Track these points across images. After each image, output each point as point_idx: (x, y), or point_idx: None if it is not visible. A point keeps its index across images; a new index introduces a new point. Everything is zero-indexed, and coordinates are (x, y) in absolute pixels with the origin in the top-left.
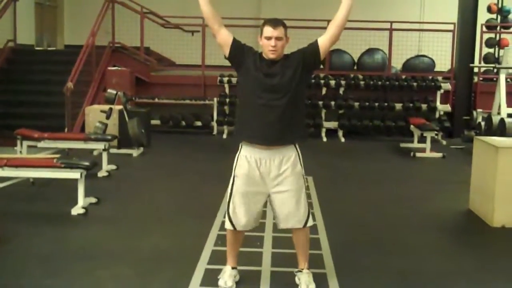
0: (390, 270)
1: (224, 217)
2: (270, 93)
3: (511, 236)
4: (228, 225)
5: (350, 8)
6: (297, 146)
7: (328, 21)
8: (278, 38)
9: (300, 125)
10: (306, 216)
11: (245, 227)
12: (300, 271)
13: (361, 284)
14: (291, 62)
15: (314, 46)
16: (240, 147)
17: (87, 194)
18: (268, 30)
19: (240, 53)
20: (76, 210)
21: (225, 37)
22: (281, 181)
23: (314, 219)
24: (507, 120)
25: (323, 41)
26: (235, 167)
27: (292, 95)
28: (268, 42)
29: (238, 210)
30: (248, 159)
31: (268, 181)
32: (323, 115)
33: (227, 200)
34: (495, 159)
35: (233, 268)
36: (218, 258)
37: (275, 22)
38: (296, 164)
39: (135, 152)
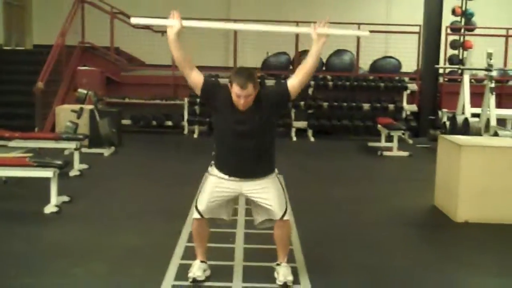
0: (358, 264)
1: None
2: (241, 138)
3: (474, 231)
4: (195, 214)
5: (319, 55)
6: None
7: (297, 22)
8: (247, 96)
9: (270, 161)
10: (284, 210)
11: (211, 213)
12: (279, 265)
13: (330, 278)
14: (262, 106)
15: (284, 91)
16: (212, 166)
17: (59, 193)
18: (236, 89)
19: (211, 95)
20: (49, 209)
21: (196, 80)
22: (256, 188)
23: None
24: (471, 119)
25: (293, 85)
26: (208, 176)
27: (262, 138)
28: (237, 99)
29: (205, 197)
30: (218, 176)
31: (241, 186)
32: (292, 115)
33: (198, 193)
34: (459, 157)
35: (202, 261)
36: (192, 254)
37: (244, 81)
38: (270, 174)
39: (106, 152)
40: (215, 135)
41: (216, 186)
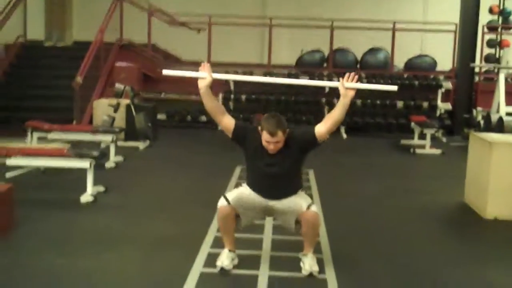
0: (384, 258)
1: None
2: (271, 178)
3: (503, 228)
4: (221, 201)
5: (346, 108)
6: None
7: (332, 21)
8: (276, 142)
9: (296, 186)
10: (308, 202)
11: (238, 204)
12: (305, 255)
13: (356, 270)
14: (291, 150)
15: (312, 137)
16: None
17: (95, 183)
18: (266, 136)
19: (242, 139)
20: (85, 198)
21: (227, 125)
22: (281, 204)
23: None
24: (505, 118)
25: (320, 132)
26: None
27: (291, 176)
28: (267, 144)
29: (232, 192)
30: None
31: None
32: (325, 111)
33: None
34: (489, 154)
35: (230, 250)
36: (221, 243)
37: (274, 128)
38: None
39: (141, 145)
40: (247, 170)
41: (245, 192)
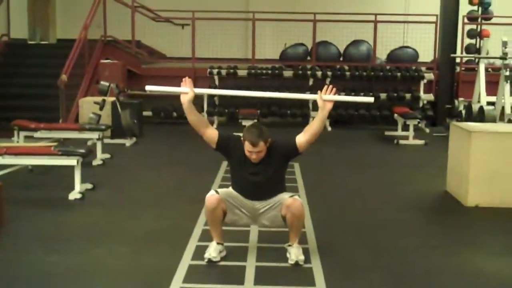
0: (369, 246)
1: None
2: (253, 187)
3: (484, 215)
4: (210, 192)
5: (324, 121)
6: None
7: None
8: (258, 152)
9: (280, 189)
10: (291, 194)
11: (224, 195)
12: (290, 245)
13: (340, 258)
14: (273, 160)
15: (293, 146)
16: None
17: (83, 180)
18: (248, 146)
19: (225, 149)
20: (73, 195)
21: (210, 136)
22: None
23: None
24: (486, 108)
25: (301, 142)
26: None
27: (274, 184)
28: (250, 154)
29: (222, 188)
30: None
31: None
32: (310, 105)
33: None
34: (469, 142)
35: (218, 243)
36: (208, 236)
37: (255, 138)
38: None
39: (128, 142)
40: (232, 178)
41: (233, 191)
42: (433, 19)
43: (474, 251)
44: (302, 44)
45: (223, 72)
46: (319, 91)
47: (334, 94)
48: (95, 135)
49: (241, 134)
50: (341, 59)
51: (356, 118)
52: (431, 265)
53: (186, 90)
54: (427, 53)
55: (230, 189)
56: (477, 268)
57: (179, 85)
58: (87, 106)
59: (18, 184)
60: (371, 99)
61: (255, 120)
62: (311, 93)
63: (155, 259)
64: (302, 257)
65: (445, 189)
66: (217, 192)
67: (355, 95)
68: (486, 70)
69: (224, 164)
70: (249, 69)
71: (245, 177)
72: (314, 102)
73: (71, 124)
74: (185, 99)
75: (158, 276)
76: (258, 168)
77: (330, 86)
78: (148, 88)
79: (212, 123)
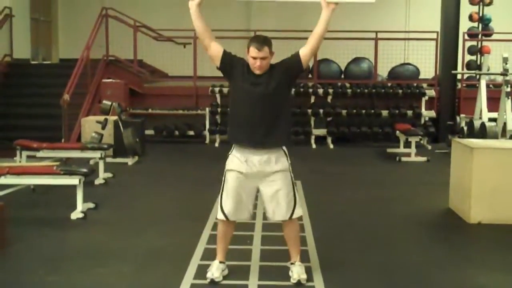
0: (371, 263)
1: (216, 218)
2: (256, 100)
3: (486, 231)
4: (220, 215)
5: (328, 22)
6: (284, 148)
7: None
8: (263, 58)
9: (283, 131)
10: (291, 210)
11: (235, 215)
12: (293, 264)
13: (343, 277)
14: (276, 73)
15: (296, 57)
16: (232, 147)
17: (85, 199)
18: (253, 51)
19: (229, 64)
20: (76, 215)
21: (215, 50)
22: (269, 177)
23: (301, 218)
24: (488, 124)
25: (304, 52)
26: (227, 163)
27: (276, 103)
28: (253, 61)
29: (229, 200)
30: (238, 158)
31: (257, 177)
32: (312, 122)
33: (220, 193)
34: (471, 159)
35: (221, 262)
36: (210, 255)
37: (260, 43)
38: (283, 163)
39: (130, 161)
40: (232, 105)
41: (235, 182)
42: (434, 35)
43: (477, 268)
44: None
45: (225, 90)
46: None
47: None
48: (97, 154)
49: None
50: (342, 76)
51: (358, 135)
52: (434, 282)
53: None
54: (428, 69)
55: (231, 185)
56: (480, 285)
57: (180, 103)
58: (89, 125)
59: (21, 203)
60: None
61: None
62: (312, 110)
63: (157, 279)
64: (304, 276)
65: (447, 206)
66: (225, 216)
67: (356, 112)
68: (487, 86)
69: None
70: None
71: (246, 90)
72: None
73: (73, 144)
74: (193, 3)
75: None
76: (261, 79)
77: None
78: None
79: (214, 141)
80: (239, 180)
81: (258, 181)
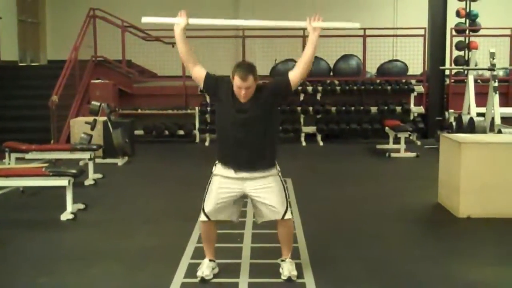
0: (361, 259)
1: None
2: (241, 127)
3: (475, 226)
4: (201, 217)
5: (316, 45)
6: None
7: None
8: (247, 88)
9: (270, 152)
10: (284, 209)
11: (216, 216)
12: (283, 261)
13: (333, 273)
14: (263, 97)
15: (286, 81)
16: (216, 163)
17: (75, 201)
18: (238, 81)
19: (213, 87)
20: (65, 216)
21: (198, 73)
22: (258, 180)
23: (291, 215)
24: (476, 119)
25: (294, 76)
26: (213, 169)
27: (262, 127)
28: (238, 90)
29: (210, 201)
30: (223, 175)
31: (244, 180)
32: (301, 120)
33: (204, 196)
34: (459, 154)
35: (210, 260)
36: (201, 254)
37: (245, 73)
38: (271, 171)
39: (120, 161)
40: (217, 128)
41: (220, 187)
42: (422, 32)
43: (466, 262)
44: (292, 60)
45: None
46: (307, 18)
47: (321, 21)
48: (86, 155)
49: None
50: (331, 74)
51: (347, 132)
52: (424, 276)
53: (180, 21)
54: (416, 66)
55: (215, 188)
56: (469, 278)
57: (170, 103)
58: (79, 126)
59: (10, 205)
60: (356, 25)
61: None
62: (302, 108)
63: (148, 278)
64: (295, 273)
65: (437, 201)
66: (207, 216)
67: (346, 109)
68: (476, 81)
69: None
70: None
71: (232, 116)
72: (306, 118)
73: (62, 145)
74: (178, 28)
75: None
76: (247, 105)
77: (317, 15)
78: (144, 20)
79: (204, 140)
80: (223, 182)
81: (245, 185)
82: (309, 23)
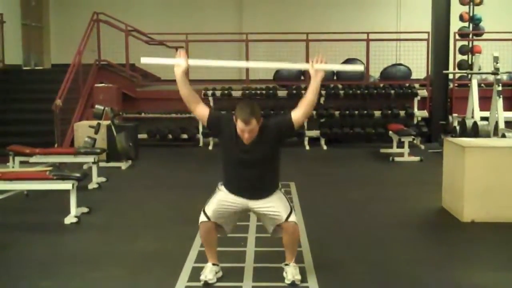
0: (365, 263)
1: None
2: (246, 166)
3: (480, 230)
4: (202, 217)
5: (318, 90)
6: None
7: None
8: (250, 131)
9: (273, 183)
10: (288, 212)
11: (216, 217)
12: (287, 265)
13: (337, 277)
14: (266, 137)
15: (289, 122)
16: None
17: (79, 204)
18: (240, 124)
19: (216, 126)
20: (69, 219)
21: (201, 113)
22: (260, 203)
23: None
24: (480, 123)
25: (297, 116)
26: (218, 190)
27: (266, 166)
28: (241, 133)
29: (212, 206)
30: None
31: (247, 202)
32: (305, 124)
33: (207, 202)
34: (463, 158)
35: (214, 264)
36: (204, 258)
37: (247, 117)
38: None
39: (123, 165)
40: (222, 162)
41: (224, 199)
42: (425, 36)
43: (470, 266)
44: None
45: (218, 93)
46: (310, 60)
47: (325, 63)
48: (90, 158)
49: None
50: (334, 78)
51: (351, 136)
52: (428, 281)
53: (180, 62)
54: (420, 70)
55: (219, 196)
56: (473, 283)
57: (173, 106)
58: (82, 130)
59: (14, 209)
60: (360, 68)
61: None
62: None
63: (151, 282)
64: (298, 277)
65: (441, 205)
66: (207, 216)
67: (349, 113)
68: (479, 85)
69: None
70: (244, 89)
71: (236, 155)
72: (309, 122)
73: (66, 149)
74: (179, 71)
75: None
76: (250, 146)
77: (321, 55)
78: (143, 60)
79: (208, 144)
80: (227, 196)
81: (248, 203)
82: (312, 66)
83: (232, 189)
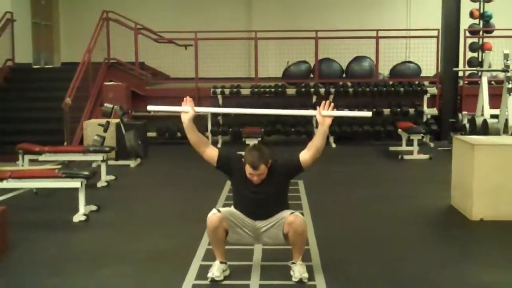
0: (373, 261)
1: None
2: (256, 203)
3: (489, 228)
4: (212, 211)
5: (325, 136)
6: None
7: (316, 31)
8: (259, 175)
9: (284, 209)
10: (291, 211)
11: (225, 214)
12: (294, 263)
13: (345, 275)
14: (275, 178)
15: (297, 163)
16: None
17: (87, 202)
18: (249, 169)
19: (226, 167)
20: (78, 217)
21: (210, 156)
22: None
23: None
24: (490, 120)
25: (305, 158)
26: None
27: (276, 201)
28: (250, 176)
29: (226, 209)
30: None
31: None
32: (314, 122)
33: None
34: (472, 156)
35: (221, 262)
36: (212, 256)
37: (256, 162)
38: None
39: (132, 163)
40: (234, 195)
41: (235, 210)
42: (435, 33)
43: (479, 264)
44: (305, 62)
45: (227, 91)
46: (317, 107)
47: (333, 109)
48: (99, 157)
49: (243, 153)
50: (343, 75)
51: (360, 134)
52: (437, 279)
53: (186, 109)
54: (429, 67)
55: (232, 208)
56: (482, 281)
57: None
58: (92, 128)
59: (23, 207)
60: (369, 114)
61: (259, 139)
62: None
63: (159, 279)
64: (306, 275)
65: (450, 203)
66: (218, 211)
67: (358, 110)
68: (489, 83)
69: (228, 184)
70: (252, 87)
71: (246, 195)
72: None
73: (75, 147)
74: (186, 118)
75: None
76: (260, 188)
77: (328, 102)
78: (150, 108)
79: (216, 142)
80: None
81: (256, 223)
82: (319, 112)
83: (242, 212)
